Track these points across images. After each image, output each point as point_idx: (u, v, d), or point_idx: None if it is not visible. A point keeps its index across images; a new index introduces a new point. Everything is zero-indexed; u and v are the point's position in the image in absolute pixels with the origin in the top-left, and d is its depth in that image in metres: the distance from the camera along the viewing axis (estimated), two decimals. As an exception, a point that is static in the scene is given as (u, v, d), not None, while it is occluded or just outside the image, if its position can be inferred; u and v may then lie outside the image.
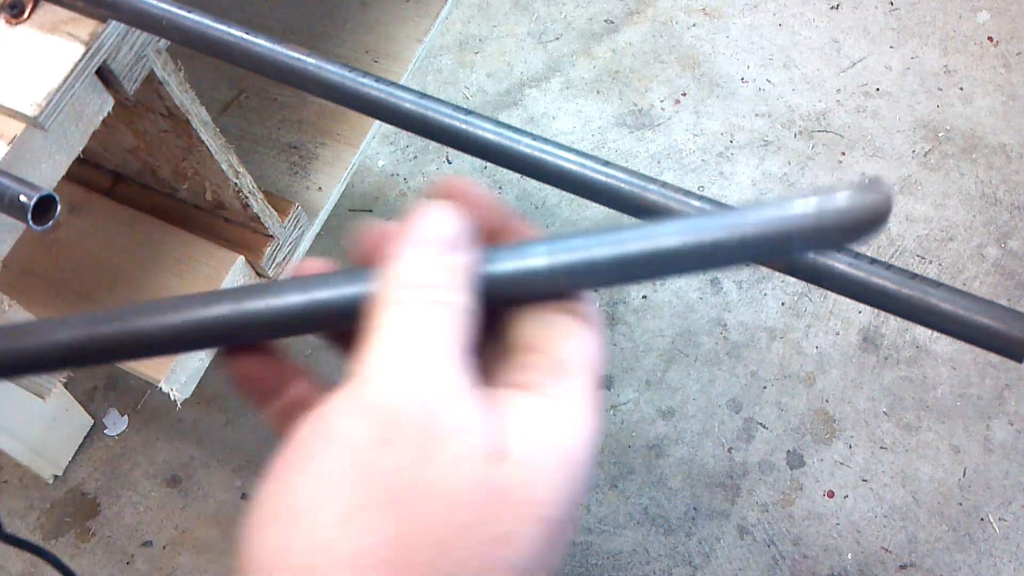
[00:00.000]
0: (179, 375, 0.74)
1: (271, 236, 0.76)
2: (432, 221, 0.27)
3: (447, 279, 0.26)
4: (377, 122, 0.88)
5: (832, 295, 1.35)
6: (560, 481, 0.24)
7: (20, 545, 0.69)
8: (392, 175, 1.50)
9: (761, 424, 1.27)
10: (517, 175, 1.47)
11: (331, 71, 0.42)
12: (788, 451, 1.25)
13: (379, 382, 0.24)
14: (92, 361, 0.32)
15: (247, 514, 0.25)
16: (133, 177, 0.79)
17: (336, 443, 0.24)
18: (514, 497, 0.23)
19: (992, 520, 1.20)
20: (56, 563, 0.70)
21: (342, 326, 0.29)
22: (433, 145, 1.52)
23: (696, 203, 0.37)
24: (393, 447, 0.23)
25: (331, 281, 0.29)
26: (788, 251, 0.27)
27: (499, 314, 0.29)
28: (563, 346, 0.27)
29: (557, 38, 1.62)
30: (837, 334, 1.33)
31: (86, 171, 0.80)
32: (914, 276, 0.34)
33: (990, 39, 1.57)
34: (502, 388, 0.26)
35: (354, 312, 0.28)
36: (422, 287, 0.26)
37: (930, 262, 1.38)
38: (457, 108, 0.40)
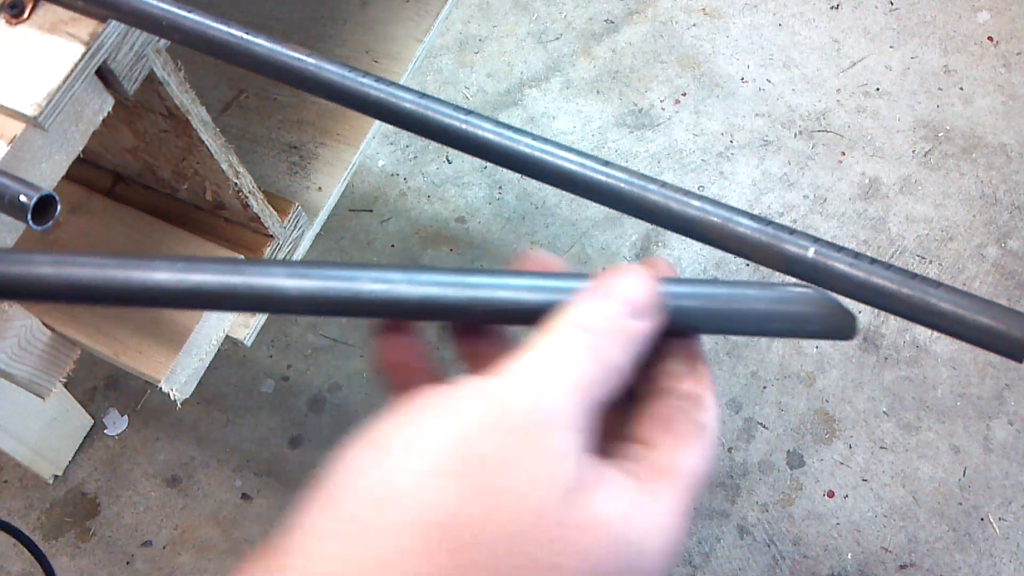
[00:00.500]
0: (179, 375, 0.74)
1: (271, 236, 0.76)
2: (628, 283, 0.29)
3: (617, 338, 0.28)
4: (377, 122, 0.88)
5: (832, 295, 1.35)
6: (617, 569, 0.25)
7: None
8: (392, 175, 1.50)
9: (761, 424, 1.27)
10: (517, 175, 1.47)
11: (331, 71, 0.42)
12: (788, 451, 1.25)
13: (510, 383, 0.26)
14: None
15: (345, 439, 0.27)
16: (133, 177, 0.79)
17: (449, 411, 0.26)
18: (572, 541, 0.25)
19: (992, 520, 1.20)
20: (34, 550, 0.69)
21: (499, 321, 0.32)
22: (433, 145, 1.52)
23: (696, 203, 0.37)
24: (496, 435, 0.25)
25: (513, 283, 0.31)
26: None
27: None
28: (680, 454, 0.29)
29: (557, 38, 1.62)
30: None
31: (86, 171, 0.80)
32: (914, 276, 0.34)
33: (990, 39, 1.57)
34: (609, 457, 0.28)
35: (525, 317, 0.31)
36: (588, 331, 0.28)
37: (930, 262, 1.38)
38: (457, 108, 0.40)
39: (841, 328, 0.32)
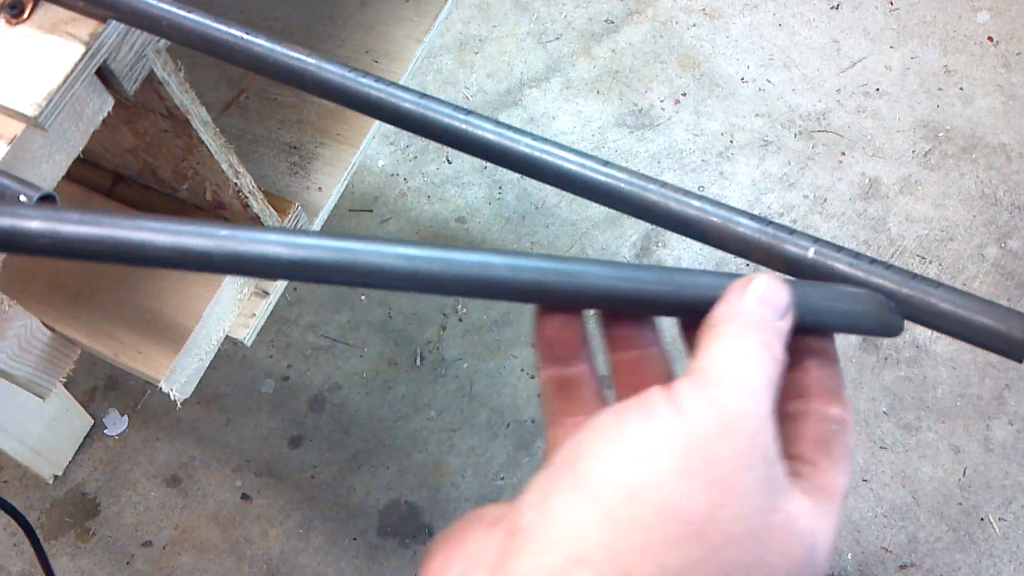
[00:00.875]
0: (179, 375, 0.74)
1: (271, 236, 0.76)
2: (770, 288, 0.32)
3: (774, 335, 0.31)
4: (377, 122, 0.88)
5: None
6: (803, 573, 0.29)
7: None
8: (392, 175, 1.50)
9: (761, 424, 1.27)
10: (517, 175, 1.47)
11: (331, 71, 0.42)
12: (788, 451, 1.25)
13: (723, 387, 0.29)
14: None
15: (579, 430, 0.30)
16: (133, 177, 0.79)
17: (682, 416, 0.28)
18: (779, 542, 0.28)
19: (992, 520, 1.20)
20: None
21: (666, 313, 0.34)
22: (433, 145, 1.52)
23: (696, 203, 0.37)
24: (728, 441, 0.28)
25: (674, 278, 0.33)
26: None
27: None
28: (836, 474, 0.32)
29: (557, 38, 1.62)
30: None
31: (86, 171, 0.80)
32: (914, 276, 0.34)
33: (990, 39, 1.57)
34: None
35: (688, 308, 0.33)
36: (757, 331, 0.31)
37: (930, 262, 1.38)
38: (457, 108, 0.40)
39: (890, 327, 0.34)
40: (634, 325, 0.36)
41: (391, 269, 0.32)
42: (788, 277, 0.34)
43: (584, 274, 0.33)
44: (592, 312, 0.36)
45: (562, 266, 0.33)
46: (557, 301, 0.34)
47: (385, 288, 0.33)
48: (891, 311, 0.34)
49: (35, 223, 0.32)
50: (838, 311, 0.33)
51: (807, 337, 0.34)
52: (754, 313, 0.31)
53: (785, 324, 0.32)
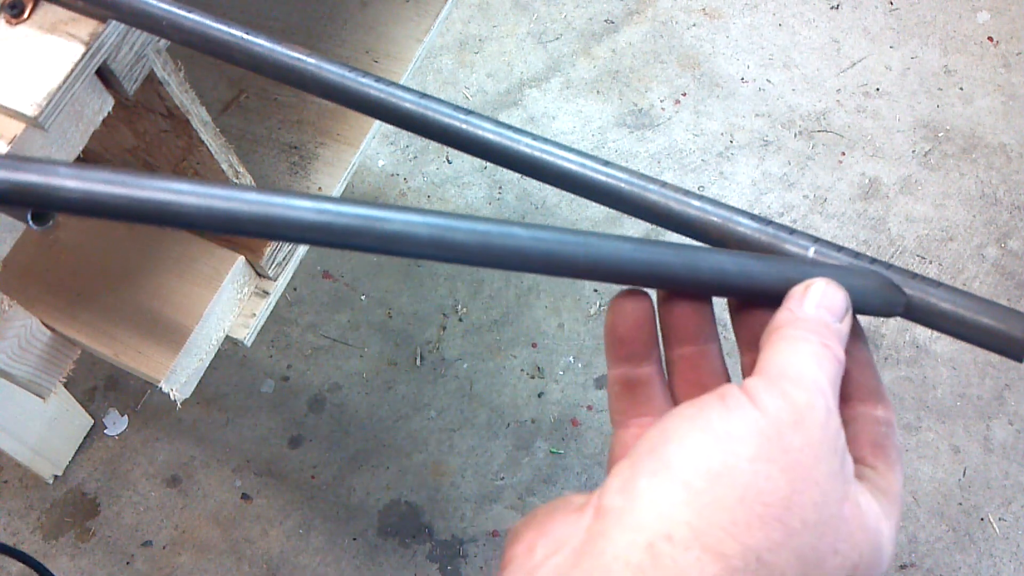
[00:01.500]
0: (179, 375, 0.74)
1: (271, 236, 0.76)
2: (830, 293, 0.33)
3: (834, 337, 0.32)
4: (377, 122, 0.88)
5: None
6: (871, 565, 0.31)
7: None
8: (392, 175, 1.50)
9: (761, 424, 1.27)
10: (517, 175, 1.47)
11: (331, 71, 0.42)
12: (788, 451, 1.25)
13: (792, 383, 0.30)
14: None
15: (660, 420, 0.31)
16: (133, 177, 0.79)
17: (758, 408, 0.30)
18: (849, 532, 0.30)
19: (992, 520, 1.20)
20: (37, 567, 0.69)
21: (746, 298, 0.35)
22: (433, 145, 1.52)
23: (696, 203, 0.37)
24: (801, 431, 0.29)
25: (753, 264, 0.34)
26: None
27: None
28: (895, 476, 0.34)
29: (557, 38, 1.62)
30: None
31: (86, 171, 0.80)
32: (914, 276, 0.34)
33: (990, 39, 1.57)
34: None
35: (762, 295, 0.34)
36: (819, 334, 0.32)
37: (930, 262, 1.38)
38: (457, 108, 0.40)
39: (893, 303, 0.34)
40: (696, 318, 0.37)
41: (417, 236, 0.33)
42: (776, 256, 0.35)
43: (603, 249, 0.34)
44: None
45: (585, 239, 0.34)
46: (579, 273, 0.34)
47: (411, 256, 0.33)
48: (893, 288, 0.34)
49: (70, 181, 0.33)
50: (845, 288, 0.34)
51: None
52: (814, 317, 0.32)
53: (844, 327, 0.33)
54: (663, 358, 0.38)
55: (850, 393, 0.35)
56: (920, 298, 0.34)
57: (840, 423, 0.31)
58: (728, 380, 0.37)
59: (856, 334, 0.35)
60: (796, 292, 0.33)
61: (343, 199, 0.33)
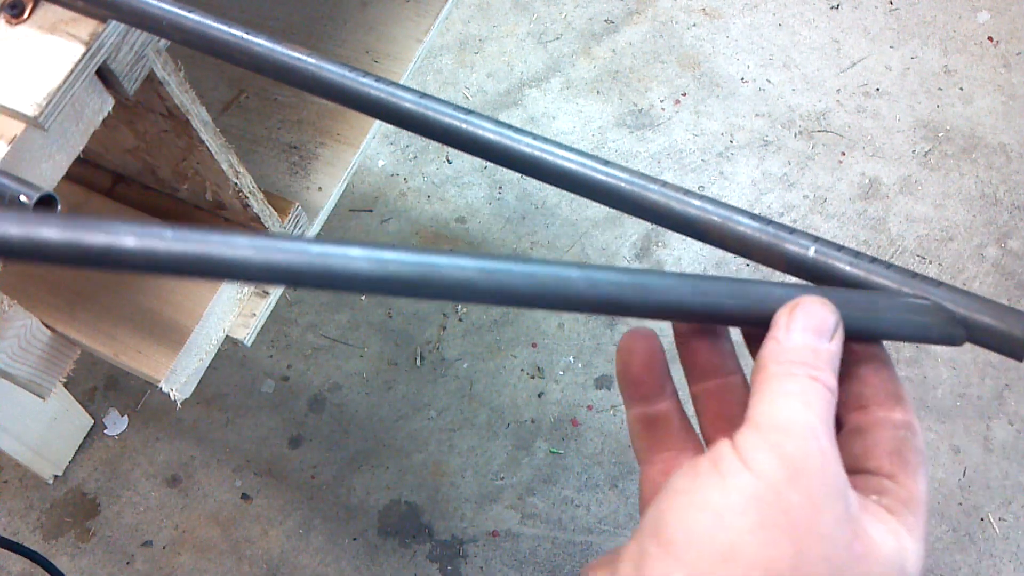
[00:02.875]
0: (179, 375, 0.74)
1: (271, 236, 0.76)
2: (815, 313, 0.33)
3: (823, 362, 0.32)
4: (377, 122, 0.88)
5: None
6: None
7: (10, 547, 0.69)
8: (392, 175, 1.50)
9: (761, 424, 1.27)
10: (517, 175, 1.47)
11: (331, 71, 0.42)
12: (788, 451, 1.25)
13: (781, 432, 0.30)
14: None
15: (659, 494, 0.31)
16: (133, 177, 0.79)
17: (750, 471, 0.29)
18: (863, 572, 0.29)
19: (992, 520, 1.20)
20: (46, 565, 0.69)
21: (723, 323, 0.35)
22: (433, 145, 1.52)
23: (696, 203, 0.37)
24: (798, 486, 0.29)
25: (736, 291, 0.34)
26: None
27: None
28: (917, 482, 0.33)
29: (557, 38, 1.62)
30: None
31: (86, 171, 0.80)
32: (914, 275, 0.34)
33: (990, 39, 1.57)
34: (861, 492, 0.32)
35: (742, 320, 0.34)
36: (805, 365, 0.31)
37: (930, 262, 1.38)
38: (457, 108, 0.40)
39: (954, 336, 0.34)
40: (714, 353, 0.37)
41: (471, 282, 0.33)
42: (847, 289, 0.35)
43: (657, 287, 0.34)
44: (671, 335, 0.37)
45: (639, 279, 0.34)
46: (634, 313, 0.35)
47: (468, 301, 0.34)
48: (955, 322, 0.34)
49: (130, 240, 0.33)
50: (906, 322, 0.33)
51: (855, 344, 0.34)
52: (801, 347, 0.32)
53: (835, 346, 0.32)
54: (677, 390, 0.38)
55: (867, 397, 0.34)
56: (920, 298, 0.34)
57: (839, 461, 0.30)
58: None
59: None
60: (781, 318, 0.33)
61: (398, 248, 0.33)
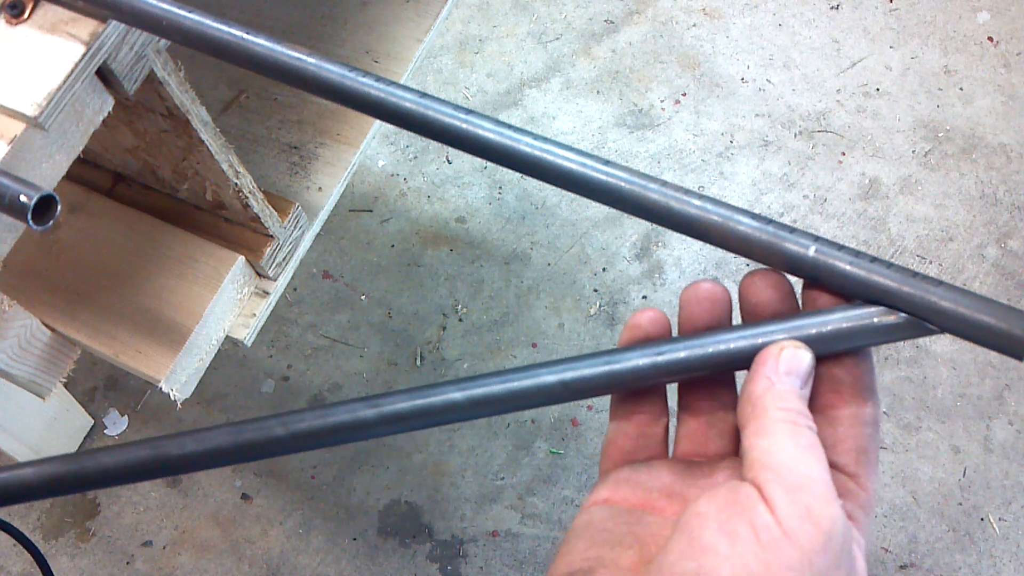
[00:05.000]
0: (179, 375, 0.74)
1: (271, 236, 0.76)
2: (798, 360, 0.34)
3: (803, 407, 0.33)
4: (377, 122, 0.88)
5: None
6: None
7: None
8: (392, 175, 1.50)
9: (761, 424, 1.27)
10: (517, 175, 1.47)
11: (331, 71, 0.42)
12: (788, 451, 1.25)
13: (810, 494, 0.31)
14: None
15: (684, 538, 0.32)
16: (133, 177, 0.79)
17: (789, 539, 0.30)
18: None
19: (992, 520, 1.20)
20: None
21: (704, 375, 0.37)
22: (433, 145, 1.52)
23: (697, 202, 0.37)
24: (826, 553, 0.30)
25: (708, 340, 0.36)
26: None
27: None
28: (874, 482, 0.35)
29: (557, 38, 1.62)
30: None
31: (86, 171, 0.80)
32: (915, 274, 0.34)
33: (990, 39, 1.57)
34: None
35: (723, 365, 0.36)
36: (791, 411, 0.33)
37: (930, 262, 1.38)
38: (458, 107, 0.40)
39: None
40: (709, 396, 0.39)
41: (453, 404, 0.38)
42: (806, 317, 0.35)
43: (620, 370, 0.37)
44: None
45: (608, 367, 0.37)
46: (605, 393, 0.38)
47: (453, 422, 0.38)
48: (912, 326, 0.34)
49: (279, 429, 0.39)
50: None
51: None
52: (791, 392, 0.33)
53: (807, 391, 0.34)
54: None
55: (842, 383, 0.35)
56: (921, 296, 0.34)
57: (847, 521, 0.32)
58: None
59: None
60: (769, 364, 0.34)
61: (396, 393, 0.38)
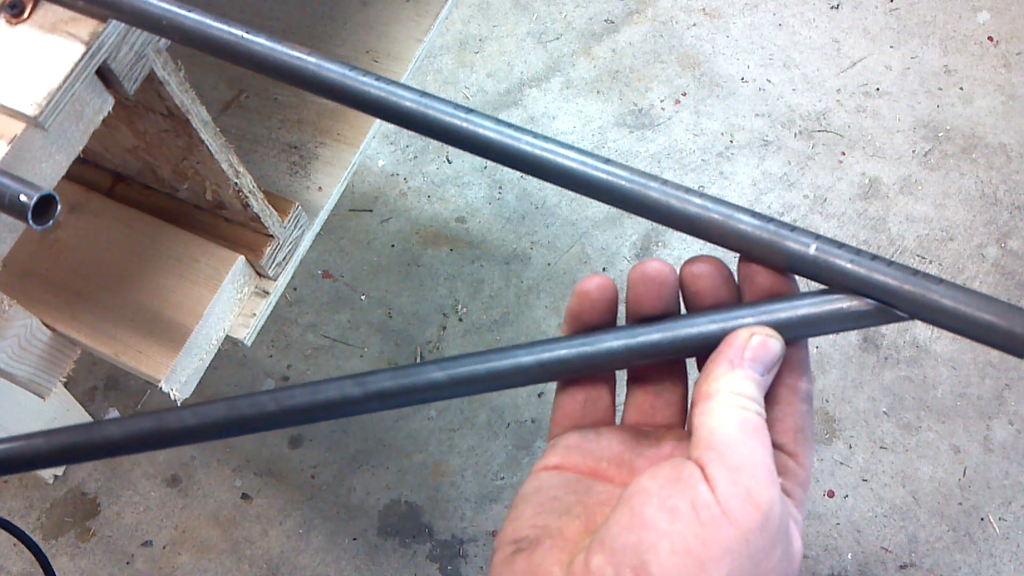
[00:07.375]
0: (179, 375, 0.74)
1: (271, 236, 0.76)
2: (765, 348, 0.35)
3: (759, 396, 0.34)
4: (377, 121, 0.88)
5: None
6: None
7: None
8: (392, 175, 1.50)
9: (761, 424, 1.27)
10: (517, 174, 1.47)
11: (331, 71, 0.42)
12: (788, 451, 1.25)
13: (750, 476, 0.32)
14: None
15: (626, 512, 0.32)
16: (133, 177, 0.79)
17: (728, 520, 0.31)
18: (789, 573, 0.33)
19: (992, 520, 1.20)
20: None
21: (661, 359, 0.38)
22: (433, 144, 1.52)
23: (697, 201, 0.37)
24: (764, 533, 0.31)
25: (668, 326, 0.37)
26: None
27: None
28: (810, 460, 0.37)
29: (557, 38, 1.62)
30: (837, 333, 1.33)
31: (86, 171, 0.80)
32: (915, 272, 0.34)
33: (990, 39, 1.57)
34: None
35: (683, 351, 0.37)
36: (743, 396, 0.34)
37: (930, 262, 1.38)
38: (458, 107, 0.40)
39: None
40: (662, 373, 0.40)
41: (434, 383, 0.39)
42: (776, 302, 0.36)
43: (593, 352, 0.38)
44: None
45: (581, 349, 0.38)
46: (579, 375, 0.39)
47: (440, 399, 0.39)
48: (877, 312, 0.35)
49: (271, 405, 0.41)
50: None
51: None
52: (747, 378, 0.34)
53: (770, 378, 0.35)
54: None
55: (780, 367, 0.36)
56: (921, 295, 0.34)
57: (785, 502, 0.33)
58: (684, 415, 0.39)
59: None
60: (738, 339, 0.35)
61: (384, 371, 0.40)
